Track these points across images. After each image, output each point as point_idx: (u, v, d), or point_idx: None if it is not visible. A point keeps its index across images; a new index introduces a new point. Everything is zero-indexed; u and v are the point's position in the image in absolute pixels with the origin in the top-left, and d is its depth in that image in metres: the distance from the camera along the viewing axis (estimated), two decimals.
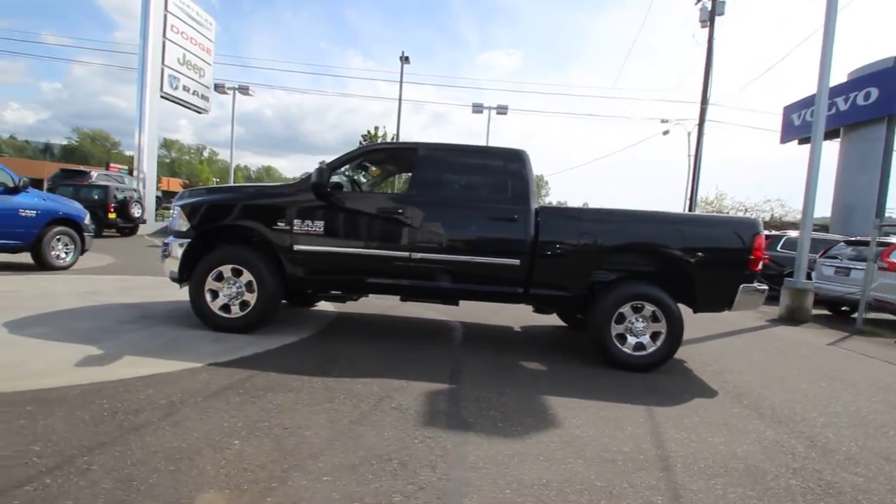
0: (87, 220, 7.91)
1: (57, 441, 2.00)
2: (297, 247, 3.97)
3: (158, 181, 23.85)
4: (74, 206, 7.88)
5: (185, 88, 19.11)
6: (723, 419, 3.01)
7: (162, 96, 18.12)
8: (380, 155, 4.49)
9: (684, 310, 4.00)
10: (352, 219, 3.98)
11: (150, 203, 17.38)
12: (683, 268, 3.90)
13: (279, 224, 3.97)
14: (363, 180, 5.26)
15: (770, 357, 4.93)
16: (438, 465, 2.07)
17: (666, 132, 22.92)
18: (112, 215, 14.08)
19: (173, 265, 4.12)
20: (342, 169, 4.32)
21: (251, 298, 4.00)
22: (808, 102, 19.19)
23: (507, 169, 4.05)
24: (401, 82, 22.84)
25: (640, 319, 3.93)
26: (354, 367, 3.38)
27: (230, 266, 4.00)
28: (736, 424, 2.94)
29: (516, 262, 3.89)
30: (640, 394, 3.36)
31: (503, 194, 4.02)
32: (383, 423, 2.46)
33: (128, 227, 14.92)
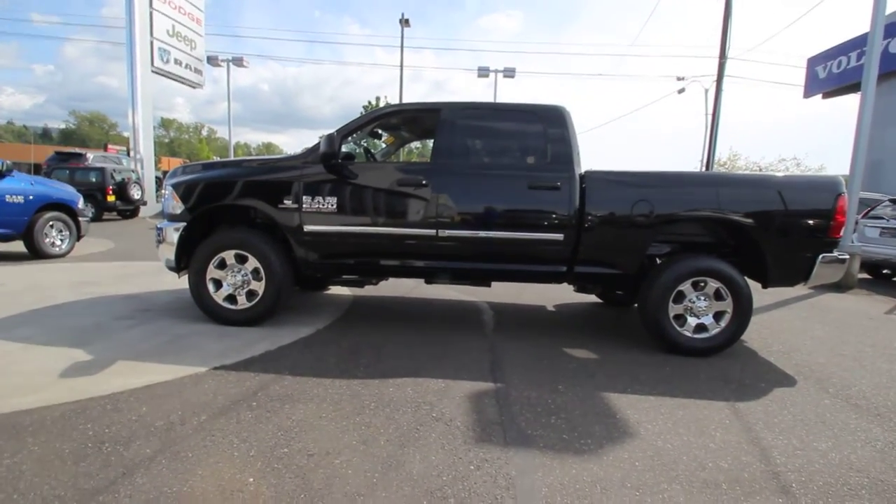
0: (82, 204, 7.44)
1: (24, 489, 1.57)
2: (307, 227, 3.48)
3: (158, 161, 23.28)
4: (67, 190, 7.40)
5: (177, 62, 18.24)
6: (817, 415, 2.56)
7: (153, 71, 17.29)
8: (396, 118, 3.93)
9: None
10: (368, 193, 3.46)
11: (149, 184, 16.84)
12: (753, 237, 3.37)
13: (285, 202, 3.47)
14: (377, 149, 4.71)
15: (834, 332, 4.45)
16: (506, 503, 1.64)
17: (681, 90, 21.83)
18: (111, 198, 13.59)
19: (168, 252, 3.65)
20: (354, 136, 3.77)
21: (259, 287, 3.54)
22: (834, 53, 18.05)
23: (546, 129, 3.48)
24: (402, 47, 21.76)
25: (703, 298, 3.44)
26: (381, 365, 2.94)
27: (233, 252, 3.52)
28: (835, 422, 2.48)
29: (559, 236, 3.38)
30: (712, 385, 2.91)
31: (542, 159, 3.47)
32: (428, 443, 2.01)
33: (128, 209, 14.46)
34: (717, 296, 3.43)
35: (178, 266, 3.67)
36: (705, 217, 3.37)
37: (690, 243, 3.72)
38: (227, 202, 3.56)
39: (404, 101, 23.27)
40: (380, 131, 4.36)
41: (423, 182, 3.40)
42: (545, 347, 3.47)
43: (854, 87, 17.86)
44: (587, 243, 3.40)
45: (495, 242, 3.41)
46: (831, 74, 18.15)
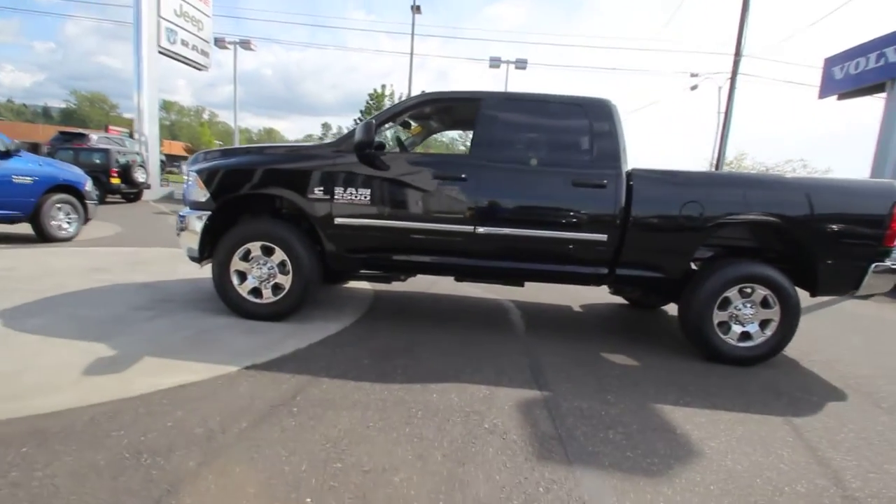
0: (89, 186, 7.26)
1: None
2: (338, 220, 3.32)
3: (160, 144, 22.96)
4: (75, 172, 7.21)
5: (184, 43, 17.88)
6: (879, 434, 2.43)
7: (160, 51, 16.95)
8: (432, 107, 3.75)
9: None
10: (403, 186, 3.29)
11: (153, 167, 16.60)
12: (805, 243, 3.22)
13: (316, 192, 3.30)
14: (404, 138, 4.53)
15: (870, 341, 4.34)
16: None
17: (694, 87, 21.56)
18: (115, 180, 13.36)
19: (192, 241, 3.49)
20: (389, 125, 3.59)
21: (285, 281, 3.39)
22: (852, 54, 17.72)
23: (592, 123, 3.31)
24: (412, 34, 21.39)
25: (749, 305, 3.30)
26: (419, 367, 2.80)
27: (259, 243, 3.36)
28: None
29: (602, 237, 3.23)
30: (763, 398, 2.78)
31: (587, 155, 3.30)
32: (487, 459, 1.88)
33: (132, 192, 14.23)
34: (764, 303, 3.29)
35: (202, 256, 3.51)
36: (757, 221, 3.22)
37: (733, 247, 3.57)
38: (254, 191, 3.40)
39: (412, 89, 22.94)
40: (410, 120, 4.18)
41: (463, 176, 3.24)
42: (582, 352, 3.34)
43: (871, 90, 17.61)
44: (631, 245, 3.25)
45: (536, 241, 3.26)
46: (848, 75, 17.87)
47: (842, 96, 19.05)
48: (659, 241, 3.27)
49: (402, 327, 3.59)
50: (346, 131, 3.66)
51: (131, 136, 18.46)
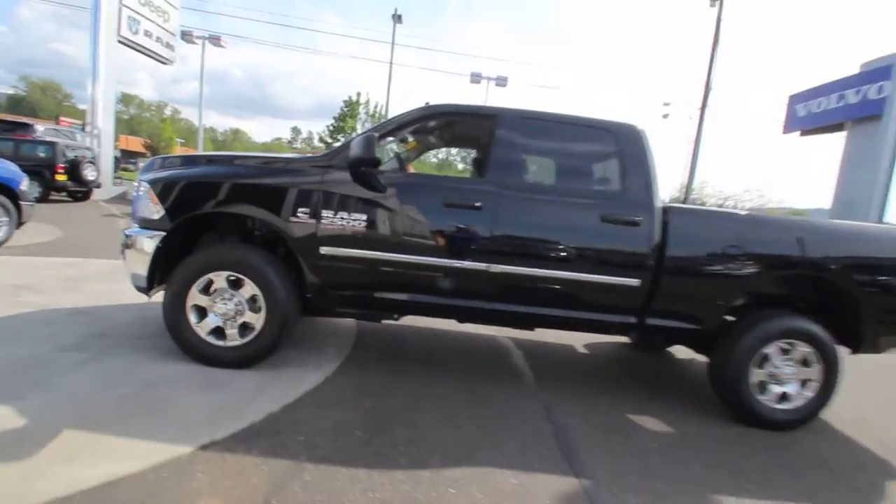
0: (25, 185, 6.34)
1: None
2: (324, 249, 2.76)
3: (116, 139, 21.44)
4: (7, 168, 6.28)
5: (147, 34, 16.77)
6: None
7: (120, 41, 15.80)
8: (439, 121, 3.26)
9: None
10: (407, 212, 2.77)
11: (106, 164, 15.33)
12: (850, 295, 2.91)
13: (299, 215, 2.73)
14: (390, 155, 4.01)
15: (887, 393, 4.11)
16: None
17: (666, 115, 22.10)
18: (61, 177, 12.13)
19: (138, 266, 2.84)
20: (390, 139, 3.08)
21: (255, 320, 2.78)
22: (815, 94, 18.59)
23: (623, 151, 2.90)
24: (392, 43, 20.97)
25: (790, 363, 2.95)
26: (424, 442, 2.26)
27: (225, 273, 2.75)
28: None
29: (634, 281, 2.81)
30: (816, 477, 2.42)
31: (617, 186, 2.89)
32: None
33: (80, 191, 12.99)
34: (805, 362, 2.96)
35: (150, 284, 2.86)
36: (803, 268, 2.89)
37: (764, 295, 3.23)
38: (221, 209, 2.80)
39: (390, 99, 22.48)
40: (407, 135, 3.68)
41: (477, 204, 2.75)
42: (606, 413, 2.88)
43: (831, 128, 18.52)
44: (666, 291, 2.85)
45: (557, 284, 2.80)
46: (810, 114, 18.67)
47: (804, 132, 19.98)
48: (697, 288, 2.88)
49: (395, 375, 3.04)
50: (317, 136, 3.12)
51: (83, 128, 17.07)
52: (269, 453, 1.99)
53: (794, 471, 2.47)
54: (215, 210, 2.79)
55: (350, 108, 33.87)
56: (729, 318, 3.09)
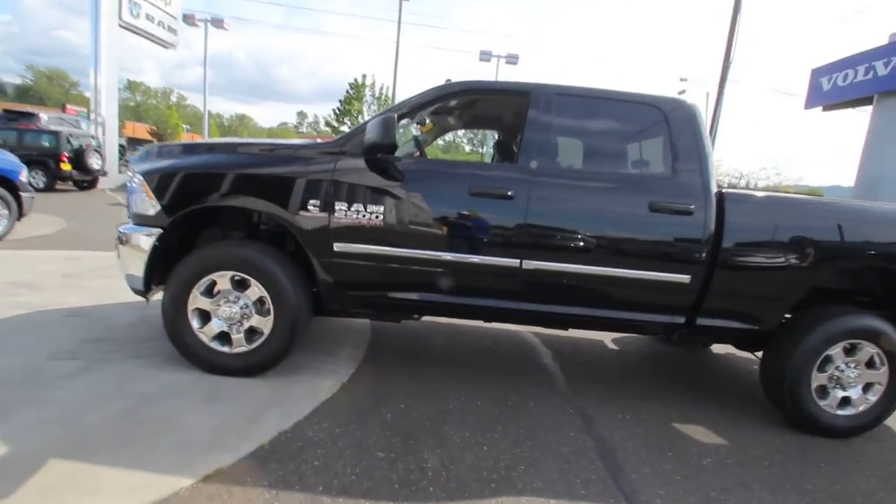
0: (25, 176, 6.13)
1: None
2: (338, 245, 2.48)
3: (122, 126, 21.24)
4: (6, 159, 6.06)
5: (149, 17, 16.39)
6: None
7: (121, 26, 15.45)
8: (462, 100, 2.92)
9: None
10: (429, 203, 2.48)
11: (111, 152, 15.13)
12: None
13: (310, 208, 2.45)
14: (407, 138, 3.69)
15: None
16: None
17: (682, 91, 21.32)
18: (65, 166, 11.95)
19: (134, 266, 2.59)
20: (410, 120, 2.77)
21: (263, 324, 2.53)
22: (840, 66, 17.70)
23: (673, 131, 2.56)
24: (399, 21, 20.34)
25: (853, 365, 2.64)
26: (455, 465, 2.00)
27: (229, 274, 2.48)
28: None
29: (684, 277, 2.50)
30: (892, 499, 2.13)
31: (667, 171, 2.56)
32: None
33: (85, 180, 12.82)
34: (870, 363, 2.65)
35: (147, 286, 2.60)
36: (876, 259, 2.56)
37: (826, 290, 2.91)
38: (224, 203, 2.52)
39: (397, 80, 21.92)
40: (426, 116, 3.35)
41: (509, 193, 2.44)
42: (651, 422, 2.61)
43: (858, 102, 17.66)
44: (720, 288, 2.54)
45: (599, 281, 2.51)
46: (835, 87, 17.84)
47: (827, 107, 19.07)
48: (756, 284, 2.56)
49: (416, 380, 2.79)
50: (323, 120, 2.77)
51: (88, 116, 16.85)
52: (282, 484, 1.74)
53: (864, 491, 2.18)
54: (217, 204, 2.51)
55: (356, 91, 33.29)
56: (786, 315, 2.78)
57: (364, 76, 33.55)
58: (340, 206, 2.44)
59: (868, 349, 2.62)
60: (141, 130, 50.39)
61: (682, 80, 21.36)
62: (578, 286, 2.54)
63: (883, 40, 16.69)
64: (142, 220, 2.57)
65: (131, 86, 69.94)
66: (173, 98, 75.43)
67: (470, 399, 2.64)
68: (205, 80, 21.03)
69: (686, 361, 3.79)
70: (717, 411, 2.86)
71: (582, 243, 2.50)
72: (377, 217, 2.44)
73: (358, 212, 2.44)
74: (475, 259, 2.48)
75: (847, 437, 2.69)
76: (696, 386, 3.30)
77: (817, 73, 19.18)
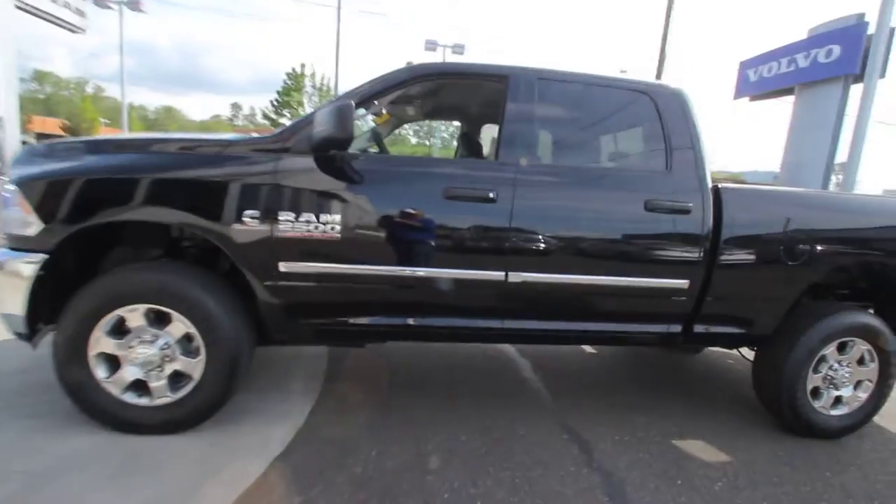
0: None
1: None
2: (285, 265, 2.01)
3: (27, 121, 18.86)
4: None
5: None
6: None
7: (18, 6, 13.54)
8: (429, 85, 2.49)
9: None
10: (396, 210, 2.06)
11: (10, 150, 13.29)
12: None
13: (246, 221, 1.96)
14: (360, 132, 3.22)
15: None
16: None
17: None
18: None
19: (11, 303, 1.98)
20: (369, 108, 2.32)
21: (192, 367, 2.02)
22: (766, 58, 18.79)
23: (665, 120, 2.30)
24: (338, 7, 19.36)
25: (846, 364, 2.54)
26: None
27: (143, 307, 1.95)
28: None
29: (683, 282, 2.26)
30: None
31: (660, 165, 2.30)
32: None
33: None
34: (861, 360, 2.56)
35: (33, 328, 2.01)
36: (873, 253, 2.44)
37: (818, 287, 2.79)
38: (130, 216, 1.97)
39: (339, 68, 20.93)
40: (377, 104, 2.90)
41: (490, 195, 2.07)
42: (651, 442, 2.36)
43: (781, 92, 18.90)
44: (719, 292, 2.32)
45: (594, 291, 2.21)
46: (762, 78, 18.96)
47: (754, 98, 20.27)
48: (755, 285, 2.37)
49: (386, 415, 2.38)
50: (260, 112, 2.25)
51: None
52: None
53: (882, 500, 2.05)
54: (119, 219, 1.96)
55: (294, 81, 31.67)
56: None
57: (303, 66, 31.98)
58: (286, 217, 1.97)
59: (860, 346, 2.52)
60: (52, 125, 45.52)
61: (622, 72, 21.85)
62: (570, 298, 2.24)
63: (802, 34, 17.92)
64: (18, 243, 1.97)
65: (39, 76, 63.14)
66: (89, 89, 68.78)
67: (451, 434, 2.27)
68: (122, 67, 19.07)
69: (664, 360, 3.64)
70: (713, 420, 2.68)
71: (573, 250, 2.19)
72: (333, 228, 2.00)
73: (308, 223, 1.98)
74: (453, 274, 2.10)
75: (838, 437, 2.59)
76: (681, 389, 3.12)
77: (745, 66, 20.29)
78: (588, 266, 2.19)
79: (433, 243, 2.09)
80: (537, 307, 2.23)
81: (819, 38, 16.94)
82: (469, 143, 3.15)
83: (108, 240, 2.26)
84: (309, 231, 1.99)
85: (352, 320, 2.15)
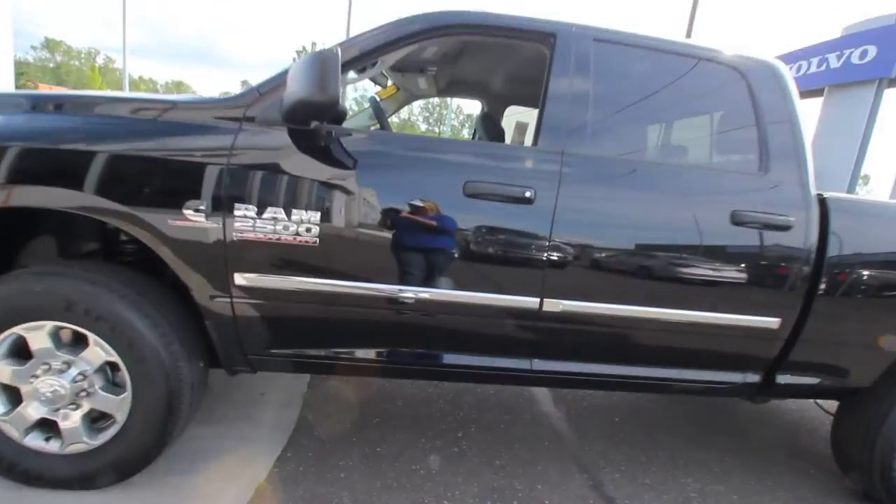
0: None
1: None
2: (242, 276, 1.48)
3: (34, 89, 18.32)
4: None
5: None
6: None
7: None
8: (449, 44, 1.92)
9: None
10: (397, 207, 1.52)
11: None
12: None
13: (187, 214, 1.42)
14: (361, 108, 2.66)
15: None
16: None
17: None
18: None
19: None
20: (361, 70, 1.76)
21: (114, 405, 1.50)
22: (798, 56, 17.88)
23: (761, 106, 1.73)
24: None
25: None
26: None
27: (48, 325, 1.43)
28: None
29: (773, 321, 1.71)
30: None
31: (752, 163, 1.74)
32: None
33: None
34: None
35: None
36: None
37: None
38: (38, 203, 1.44)
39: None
40: (385, 72, 2.34)
41: (526, 194, 1.52)
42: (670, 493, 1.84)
43: (810, 93, 18.05)
44: (816, 334, 1.77)
45: (652, 328, 1.67)
46: (793, 77, 17.95)
47: None
48: (863, 328, 1.81)
49: (374, 466, 1.87)
50: None
51: None
52: None
53: None
54: (18, 205, 1.43)
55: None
56: None
57: (314, 45, 31.17)
58: (244, 212, 1.43)
59: None
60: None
61: None
62: (622, 335, 1.70)
63: (836, 33, 17.02)
64: None
65: (50, 44, 62.59)
66: (100, 60, 68.15)
67: (459, 496, 1.76)
68: (124, 38, 18.46)
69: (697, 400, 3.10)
70: (767, 474, 2.16)
71: (631, 272, 1.64)
72: (309, 230, 1.46)
73: (275, 220, 1.45)
74: (471, 298, 1.56)
75: None
76: (735, 436, 2.59)
77: None
78: (648, 294, 1.64)
79: (446, 256, 1.55)
80: (579, 345, 1.69)
81: (854, 38, 16.02)
82: (492, 126, 2.58)
83: (25, 227, 1.73)
84: (276, 232, 1.45)
85: (332, 350, 1.62)
